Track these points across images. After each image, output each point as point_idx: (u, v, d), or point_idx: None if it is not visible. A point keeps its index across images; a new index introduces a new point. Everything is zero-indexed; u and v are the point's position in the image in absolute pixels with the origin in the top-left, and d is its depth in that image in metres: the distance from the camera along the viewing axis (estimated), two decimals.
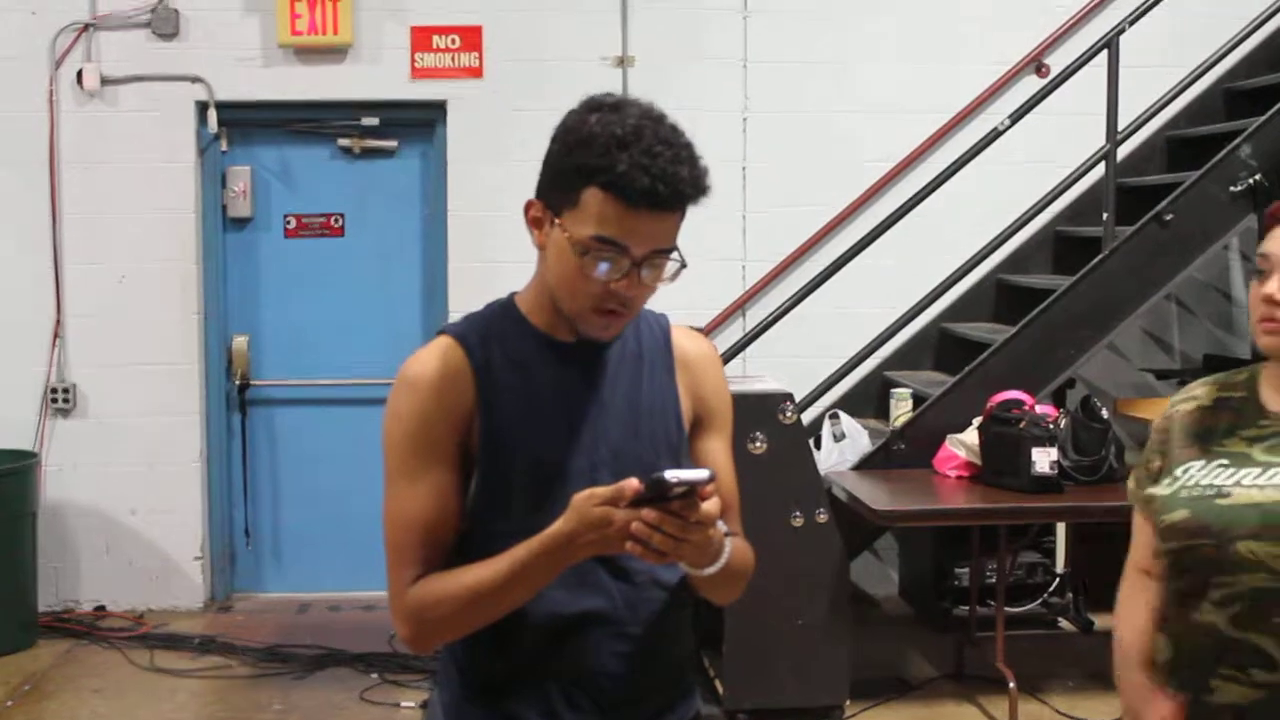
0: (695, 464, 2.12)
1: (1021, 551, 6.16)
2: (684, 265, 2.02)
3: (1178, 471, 2.24)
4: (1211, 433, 2.25)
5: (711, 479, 1.85)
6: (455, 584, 2.01)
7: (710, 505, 1.87)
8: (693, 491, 1.84)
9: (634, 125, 1.95)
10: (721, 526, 1.97)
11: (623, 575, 2.08)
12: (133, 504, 6.63)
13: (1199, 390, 2.33)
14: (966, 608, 5.89)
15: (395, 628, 2.07)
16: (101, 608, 6.62)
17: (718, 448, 2.21)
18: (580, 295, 2.00)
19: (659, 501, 1.85)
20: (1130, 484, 2.39)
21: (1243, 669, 2.11)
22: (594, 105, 2.01)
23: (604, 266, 1.97)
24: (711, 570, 1.99)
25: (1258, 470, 2.16)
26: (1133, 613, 2.37)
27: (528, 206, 2.06)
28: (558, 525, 1.92)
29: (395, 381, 2.08)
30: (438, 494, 2.04)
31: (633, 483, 1.86)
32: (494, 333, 2.11)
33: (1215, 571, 2.14)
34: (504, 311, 2.14)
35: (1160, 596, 2.27)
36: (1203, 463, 2.22)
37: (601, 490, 1.88)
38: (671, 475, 1.82)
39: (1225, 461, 2.20)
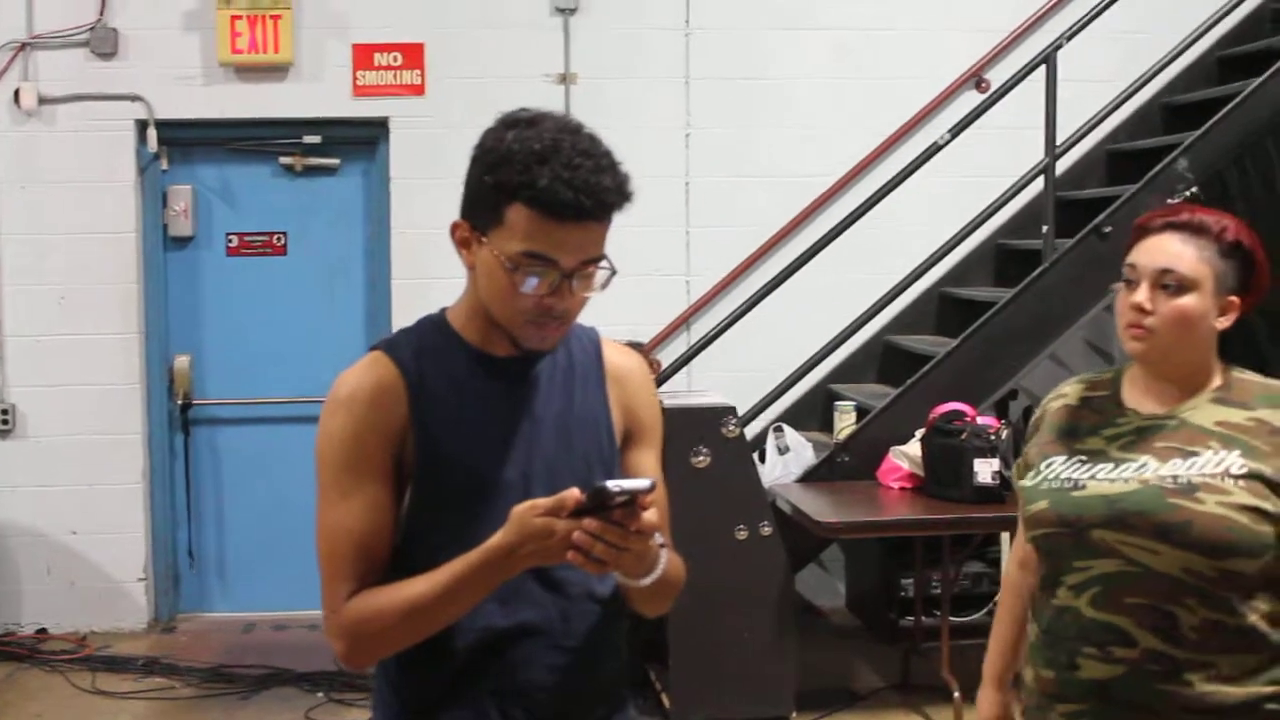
0: (627, 476, 2.13)
1: (967, 562, 6.19)
2: (614, 272, 2.03)
3: (1041, 466, 2.42)
4: (1075, 431, 2.43)
5: (652, 488, 1.87)
6: (392, 599, 2.00)
7: (651, 515, 1.89)
8: (633, 501, 1.86)
9: (551, 139, 1.96)
10: (657, 538, 1.98)
11: (556, 588, 2.08)
12: (74, 525, 6.56)
13: (1068, 389, 2.51)
14: (913, 618, 5.92)
15: (331, 644, 2.05)
16: (43, 630, 6.54)
17: (649, 460, 2.22)
18: (514, 310, 2.01)
19: (600, 511, 1.86)
20: (1015, 470, 2.57)
21: (1103, 647, 2.28)
22: (510, 122, 2.02)
23: (534, 281, 1.97)
24: (648, 580, 2.00)
25: (1111, 465, 2.34)
26: (999, 626, 2.69)
27: (454, 228, 2.06)
28: (498, 537, 1.92)
29: (328, 397, 2.08)
30: (371, 509, 2.04)
31: (574, 493, 1.86)
32: (427, 347, 2.11)
33: (1073, 558, 2.33)
34: (436, 327, 2.15)
35: (1034, 583, 2.47)
36: (1064, 458, 2.40)
37: (543, 501, 1.88)
38: (614, 485, 1.83)
39: (1084, 458, 2.38)
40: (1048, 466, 2.40)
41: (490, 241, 1.99)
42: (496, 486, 2.05)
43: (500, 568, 1.93)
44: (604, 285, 2.04)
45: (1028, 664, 2.44)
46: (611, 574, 2.00)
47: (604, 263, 2.02)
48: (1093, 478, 2.33)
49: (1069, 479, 2.35)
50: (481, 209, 2.01)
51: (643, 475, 2.10)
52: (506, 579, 1.96)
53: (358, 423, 2.04)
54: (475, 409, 2.08)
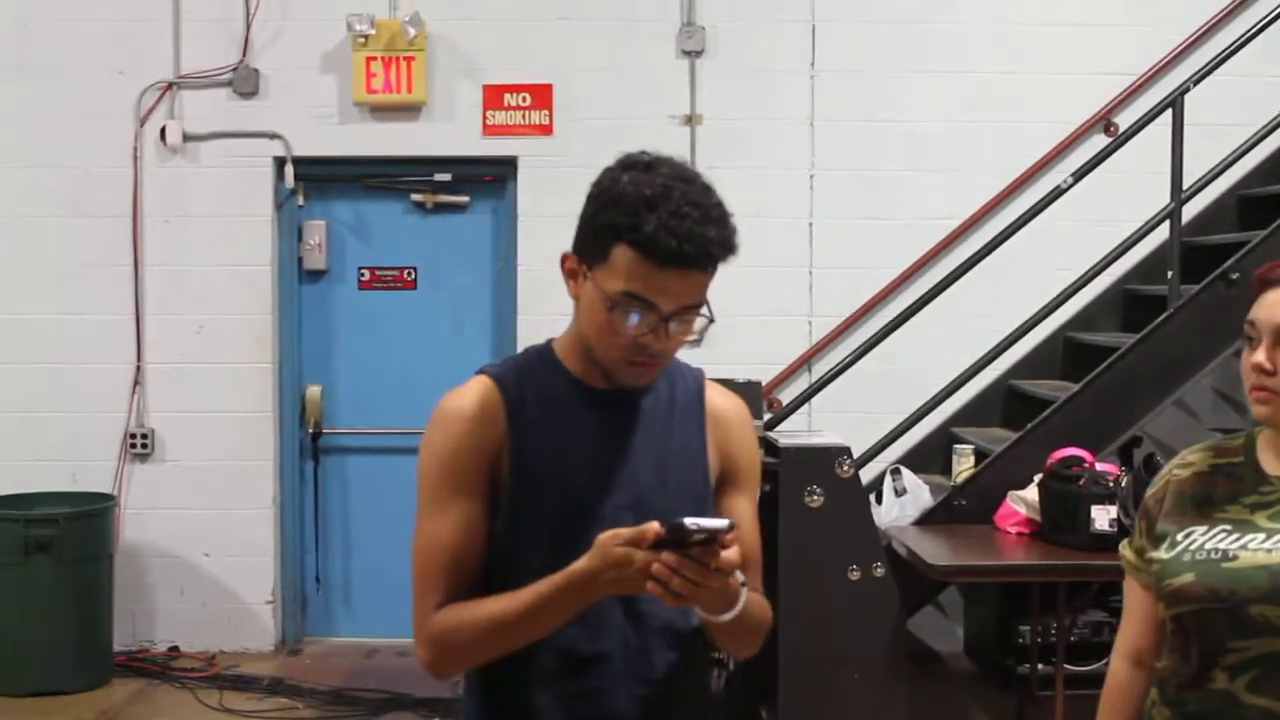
0: (718, 517, 2.17)
1: (1086, 610, 6.10)
2: (712, 320, 2.08)
3: (1179, 536, 2.21)
4: (1210, 499, 2.23)
5: (732, 529, 1.90)
6: (477, 613, 2.08)
7: (730, 554, 1.92)
8: (713, 539, 1.90)
9: (663, 185, 2.02)
10: (739, 577, 2.01)
11: (639, 619, 2.14)
12: (207, 547, 6.77)
13: (1193, 457, 2.30)
14: (1029, 665, 5.85)
15: (417, 652, 2.16)
16: (175, 648, 6.75)
17: (742, 504, 2.25)
18: (611, 346, 2.07)
19: (680, 546, 1.90)
20: (1125, 551, 2.35)
21: None
22: (628, 164, 2.08)
23: (633, 320, 2.03)
24: (726, 618, 2.02)
25: (1263, 535, 2.15)
26: None
27: (564, 259, 2.13)
28: (581, 563, 1.97)
29: (432, 415, 2.18)
30: (464, 524, 2.12)
31: (654, 526, 1.91)
32: (529, 375, 2.19)
33: (1227, 637, 2.11)
34: (541, 357, 2.23)
35: (1164, 665, 2.24)
36: (1205, 528, 2.19)
37: (625, 531, 1.94)
38: (691, 522, 1.88)
39: (1228, 527, 2.18)
40: (1186, 537, 2.19)
41: (595, 277, 2.06)
42: (587, 513, 2.11)
43: (581, 592, 1.99)
44: (702, 332, 2.09)
45: None
46: (693, 609, 2.04)
47: (703, 310, 2.07)
48: (1244, 548, 2.12)
49: (1216, 549, 2.14)
50: (590, 245, 2.08)
51: (736, 518, 2.12)
52: (587, 604, 2.02)
53: (457, 440, 2.14)
54: (572, 436, 2.15)
